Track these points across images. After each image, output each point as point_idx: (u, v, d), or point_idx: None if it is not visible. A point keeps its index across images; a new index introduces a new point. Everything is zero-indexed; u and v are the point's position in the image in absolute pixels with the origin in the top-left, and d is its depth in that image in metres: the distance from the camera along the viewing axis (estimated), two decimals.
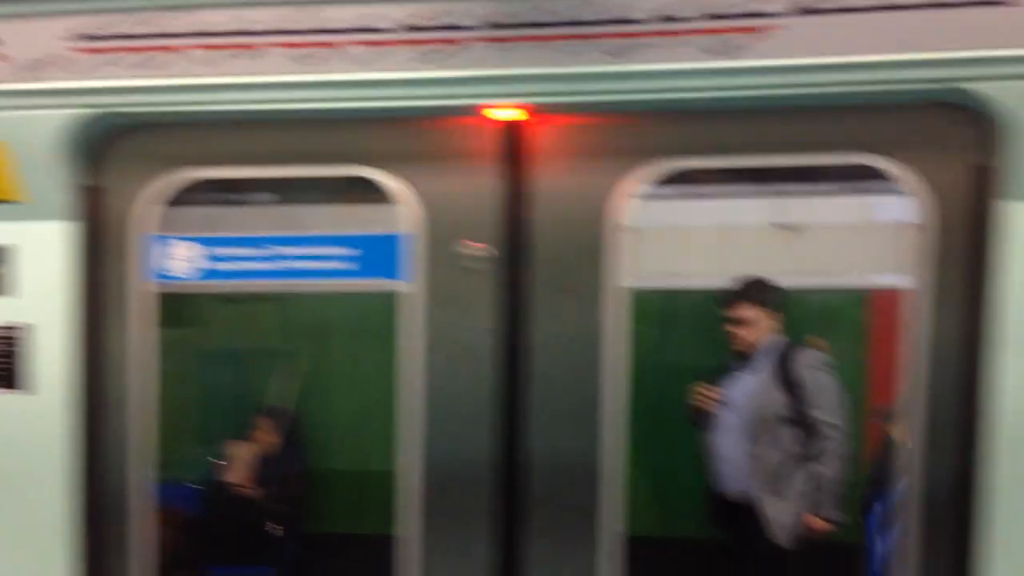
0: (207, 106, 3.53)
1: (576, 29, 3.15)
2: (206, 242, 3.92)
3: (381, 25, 3.25)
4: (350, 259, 3.84)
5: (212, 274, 3.93)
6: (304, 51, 3.34)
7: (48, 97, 3.53)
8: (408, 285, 3.67)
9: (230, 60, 3.39)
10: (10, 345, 3.75)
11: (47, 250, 3.73)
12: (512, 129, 3.57)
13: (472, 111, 3.49)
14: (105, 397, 3.83)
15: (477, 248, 3.62)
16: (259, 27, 3.34)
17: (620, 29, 3.11)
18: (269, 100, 3.46)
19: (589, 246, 3.55)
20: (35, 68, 3.47)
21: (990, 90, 3.13)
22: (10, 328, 3.75)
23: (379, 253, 3.80)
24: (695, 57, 3.11)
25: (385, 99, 3.40)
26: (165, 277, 3.92)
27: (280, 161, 3.75)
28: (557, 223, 3.56)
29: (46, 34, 3.45)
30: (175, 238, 3.92)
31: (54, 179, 3.65)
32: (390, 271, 3.75)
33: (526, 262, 3.61)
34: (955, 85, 3.16)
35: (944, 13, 3.02)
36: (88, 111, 3.57)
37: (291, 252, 3.88)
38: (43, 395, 3.74)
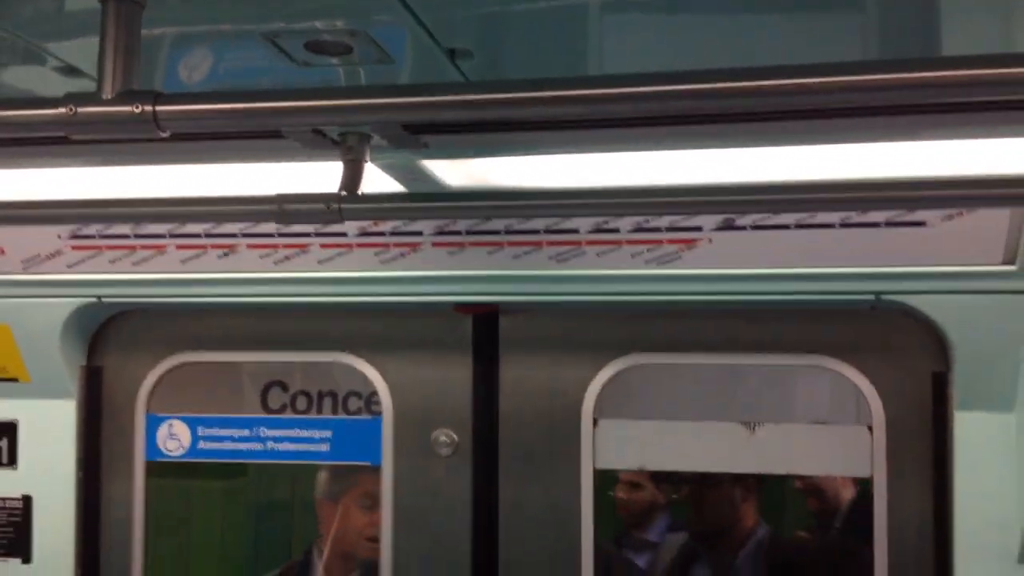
0: (186, 298, 3.87)
1: (523, 237, 3.47)
2: (195, 422, 4.21)
3: (343, 230, 3.56)
4: (328, 440, 4.14)
5: (200, 452, 4.21)
6: (272, 251, 3.67)
7: (46, 287, 3.85)
8: (381, 467, 3.99)
9: (205, 257, 3.71)
10: (12, 516, 4.03)
11: (47, 425, 4.05)
12: (479, 322, 3.93)
13: (434, 306, 3.83)
14: (104, 570, 4.09)
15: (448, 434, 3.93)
16: (232, 230, 3.66)
17: (564, 238, 3.44)
18: (242, 293, 3.80)
19: (558, 434, 3.84)
20: (34, 261, 3.78)
21: (922, 303, 3.35)
22: (12, 500, 4.05)
23: (357, 435, 4.12)
24: (631, 264, 3.45)
25: (345, 295, 3.74)
26: (159, 454, 4.21)
27: (266, 346, 4.08)
28: (526, 412, 3.87)
29: (43, 232, 3.77)
30: (167, 417, 4.21)
31: (53, 360, 3.97)
32: (368, 454, 4.07)
33: (494, 449, 3.90)
34: (890, 297, 3.38)
35: (866, 231, 3.22)
36: (82, 300, 3.90)
37: (273, 434, 4.18)
38: (43, 566, 3.99)
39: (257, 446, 4.17)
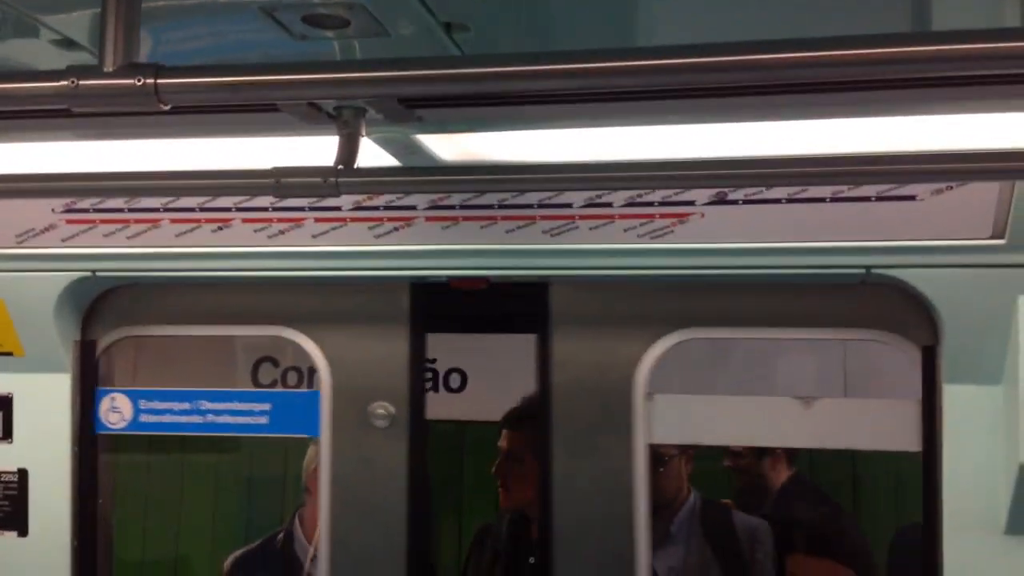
0: (179, 272, 3.90)
1: (516, 211, 3.48)
2: (136, 395, 4.25)
3: (337, 204, 3.57)
4: (267, 413, 4.17)
5: (142, 426, 4.25)
6: (266, 226, 3.68)
7: (40, 261, 3.87)
8: (319, 439, 4.04)
9: (199, 232, 3.72)
10: (8, 489, 4.06)
11: (42, 399, 4.08)
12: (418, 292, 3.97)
13: (426, 280, 3.87)
14: (98, 540, 4.14)
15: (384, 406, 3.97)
16: (227, 204, 3.67)
17: (557, 212, 3.45)
18: (237, 268, 3.82)
19: (610, 408, 3.82)
20: (28, 235, 3.79)
21: (912, 276, 3.37)
22: (8, 473, 4.07)
23: (296, 408, 4.17)
24: (623, 239, 3.47)
25: (337, 269, 3.77)
26: (103, 427, 4.24)
27: (209, 320, 4.16)
28: (578, 386, 3.86)
29: (38, 206, 3.77)
30: (109, 391, 4.25)
31: (47, 334, 3.99)
32: (306, 426, 4.12)
33: (548, 422, 3.89)
34: (879, 271, 3.39)
35: (856, 205, 3.25)
36: (76, 274, 3.92)
37: (213, 407, 4.21)
38: (40, 539, 4.03)
39: (197, 419, 4.19)
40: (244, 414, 4.16)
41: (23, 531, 4.07)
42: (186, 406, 4.19)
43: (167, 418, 4.21)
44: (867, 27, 2.19)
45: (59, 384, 4.08)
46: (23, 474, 4.07)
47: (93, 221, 3.74)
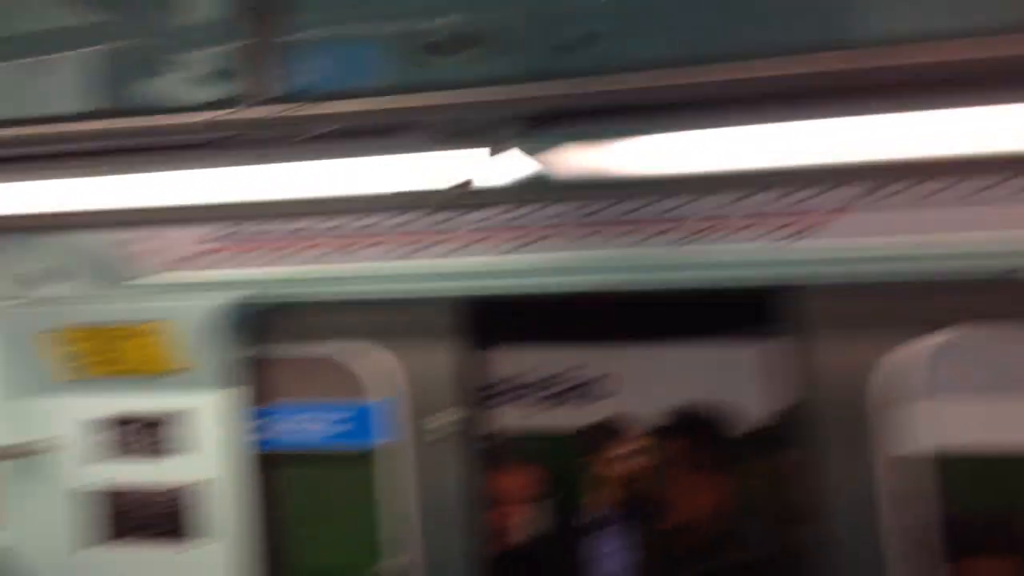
0: (331, 293, 3.99)
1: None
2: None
3: (470, 221, 3.62)
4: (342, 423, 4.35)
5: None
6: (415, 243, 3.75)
7: (204, 286, 4.04)
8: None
9: (353, 252, 3.82)
10: (190, 500, 4.26)
11: (213, 413, 4.24)
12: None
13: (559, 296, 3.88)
14: (277, 546, 4.30)
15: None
16: (381, 225, 3.74)
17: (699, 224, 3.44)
18: (386, 288, 3.91)
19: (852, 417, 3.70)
20: (192, 261, 3.97)
21: None
22: (188, 485, 4.27)
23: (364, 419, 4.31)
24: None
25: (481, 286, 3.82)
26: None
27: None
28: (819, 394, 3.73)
29: (197, 233, 3.95)
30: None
31: (215, 353, 4.18)
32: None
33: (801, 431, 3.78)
34: None
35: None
36: (240, 297, 4.08)
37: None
38: (220, 547, 4.22)
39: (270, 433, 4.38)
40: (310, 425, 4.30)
41: (200, 541, 4.24)
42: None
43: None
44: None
45: (224, 401, 4.23)
46: (190, 488, 4.24)
47: (249, 247, 3.87)
